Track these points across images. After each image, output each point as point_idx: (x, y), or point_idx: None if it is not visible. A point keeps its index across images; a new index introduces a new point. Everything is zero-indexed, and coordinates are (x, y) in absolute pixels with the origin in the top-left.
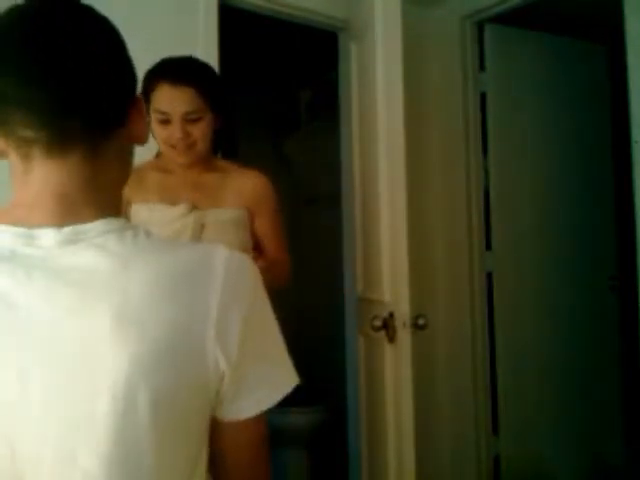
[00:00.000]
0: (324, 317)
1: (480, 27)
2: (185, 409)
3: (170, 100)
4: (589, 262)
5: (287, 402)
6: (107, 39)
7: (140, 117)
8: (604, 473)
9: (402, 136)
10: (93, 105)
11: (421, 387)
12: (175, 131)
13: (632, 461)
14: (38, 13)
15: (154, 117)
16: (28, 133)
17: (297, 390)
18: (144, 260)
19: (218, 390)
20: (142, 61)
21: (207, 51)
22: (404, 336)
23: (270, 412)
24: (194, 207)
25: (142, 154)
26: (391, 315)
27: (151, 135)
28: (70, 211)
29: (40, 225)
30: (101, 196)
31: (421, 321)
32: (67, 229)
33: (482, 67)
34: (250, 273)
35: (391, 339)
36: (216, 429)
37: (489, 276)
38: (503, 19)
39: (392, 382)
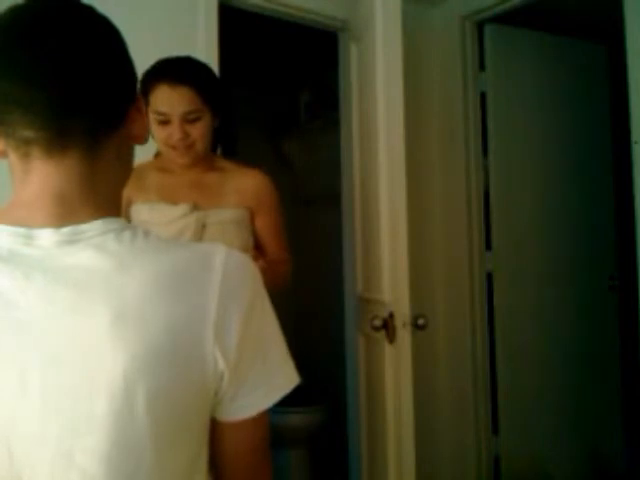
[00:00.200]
0: (324, 317)
1: (480, 27)
2: (184, 409)
3: (169, 101)
4: (589, 262)
5: (287, 402)
6: (107, 39)
7: (140, 117)
8: (604, 473)
9: (402, 136)
10: (93, 105)
11: (421, 387)
12: (174, 132)
13: (632, 461)
14: (38, 13)
15: (153, 118)
16: (28, 133)
17: (297, 390)
18: (143, 260)
19: (217, 390)
20: (142, 61)
21: (207, 51)
22: (404, 336)
23: (270, 412)
24: (195, 207)
25: (142, 154)
26: (391, 315)
27: (150, 135)
28: (69, 211)
29: (39, 225)
30: (100, 196)
31: (421, 321)
32: (66, 229)
33: (482, 67)
34: (249, 273)
35: (391, 339)
36: (216, 430)
37: (489, 276)
38: (503, 19)
39: (392, 382)
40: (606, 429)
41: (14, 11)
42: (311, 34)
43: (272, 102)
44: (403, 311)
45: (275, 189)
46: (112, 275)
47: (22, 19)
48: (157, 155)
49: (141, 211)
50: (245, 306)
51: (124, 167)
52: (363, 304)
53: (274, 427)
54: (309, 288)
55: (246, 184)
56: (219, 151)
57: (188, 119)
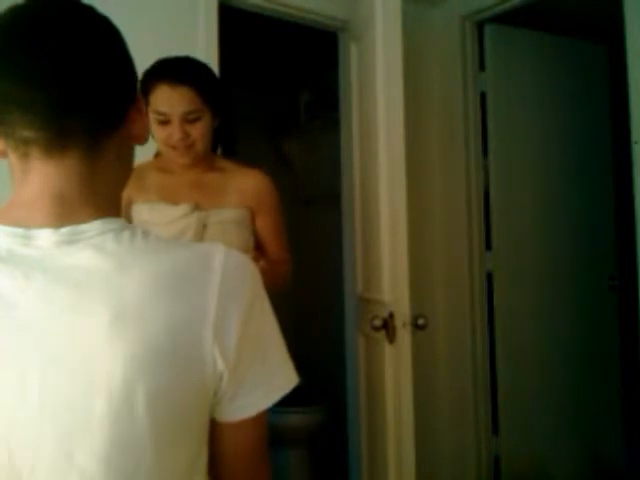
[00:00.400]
0: (324, 317)
1: (480, 27)
2: (184, 409)
3: (169, 100)
4: (589, 262)
5: (287, 402)
6: (108, 39)
7: (140, 117)
8: (604, 473)
9: (402, 136)
10: (93, 105)
11: (421, 387)
12: (174, 132)
13: (632, 461)
14: (38, 13)
15: (153, 118)
16: (27, 133)
17: (297, 390)
18: (142, 260)
19: (217, 390)
20: (142, 61)
21: (207, 51)
22: (404, 336)
23: (270, 412)
24: (196, 207)
25: (142, 154)
26: (391, 315)
27: (150, 136)
28: (68, 211)
29: (38, 225)
30: (100, 196)
31: (421, 321)
32: (65, 229)
33: (482, 67)
34: (249, 273)
35: (391, 339)
36: (215, 430)
37: (489, 276)
38: (503, 19)
39: (392, 382)
40: (606, 429)
41: (14, 11)
42: (311, 34)
43: (272, 102)
44: (403, 311)
45: (275, 189)
46: (111, 275)
47: (22, 19)
48: (157, 155)
49: (141, 211)
50: (244, 306)
51: (124, 167)
52: (363, 304)
53: (274, 427)
54: (309, 288)
55: (247, 184)
56: (219, 151)
57: (188, 119)
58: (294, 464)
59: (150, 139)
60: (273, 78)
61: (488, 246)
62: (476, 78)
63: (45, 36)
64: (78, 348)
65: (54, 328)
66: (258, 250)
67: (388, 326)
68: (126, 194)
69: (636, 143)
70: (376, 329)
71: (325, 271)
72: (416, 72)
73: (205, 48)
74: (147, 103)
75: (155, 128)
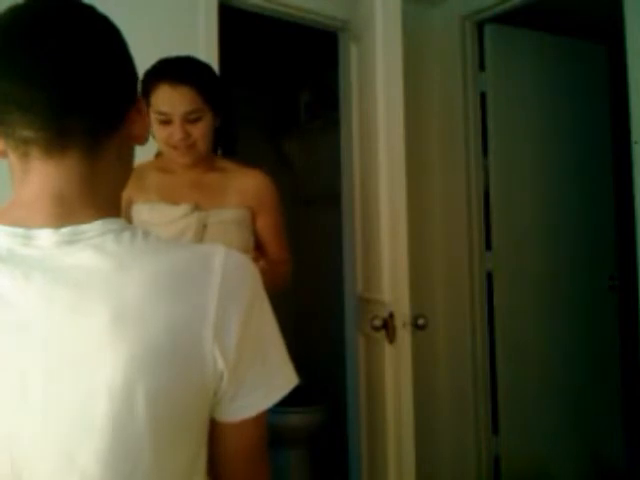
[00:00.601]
0: (324, 317)
1: (480, 27)
2: (183, 409)
3: (170, 100)
4: (589, 262)
5: (287, 402)
6: (108, 39)
7: (140, 117)
8: (604, 473)
9: (402, 136)
10: (93, 105)
11: (421, 387)
12: (175, 132)
13: (632, 461)
14: (38, 13)
15: (154, 118)
16: (27, 133)
17: (297, 390)
18: (142, 260)
19: (217, 390)
20: (142, 61)
21: (207, 51)
22: (404, 336)
23: (270, 412)
24: (196, 207)
25: (142, 154)
26: (391, 315)
27: (151, 135)
28: (68, 212)
29: (38, 225)
30: (100, 197)
31: (421, 321)
32: (65, 230)
33: (482, 67)
34: (249, 273)
35: (391, 339)
36: (215, 430)
37: (489, 276)
38: (503, 19)
39: (392, 382)
40: (606, 429)
41: (14, 11)
42: (311, 34)
43: (272, 102)
44: (403, 311)
45: (276, 189)
46: (111, 275)
47: (22, 19)
48: (158, 155)
49: (142, 211)
50: (244, 307)
51: (124, 167)
52: (363, 304)
53: (274, 427)
54: (309, 288)
55: (247, 184)
56: (219, 151)
57: (189, 119)
58: (294, 464)
59: (150, 139)
60: (273, 78)
61: (488, 246)
62: (476, 78)
63: (45, 36)
64: (78, 348)
65: (54, 328)
66: (258, 250)
67: (388, 326)
68: (126, 194)
69: (636, 143)
70: (376, 329)
71: (325, 271)
72: (416, 72)
73: (205, 48)
74: (148, 103)
75: (156, 128)
